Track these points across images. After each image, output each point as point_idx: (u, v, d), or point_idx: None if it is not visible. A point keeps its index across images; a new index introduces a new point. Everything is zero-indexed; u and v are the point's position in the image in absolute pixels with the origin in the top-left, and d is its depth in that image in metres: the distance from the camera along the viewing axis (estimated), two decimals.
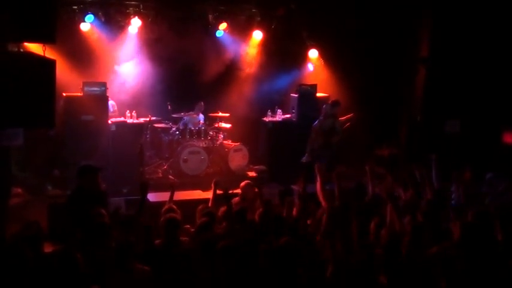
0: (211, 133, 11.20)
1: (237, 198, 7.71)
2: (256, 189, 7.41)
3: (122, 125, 10.26)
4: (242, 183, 7.98)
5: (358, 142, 11.72)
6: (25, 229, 5.53)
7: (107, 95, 9.88)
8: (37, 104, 6.72)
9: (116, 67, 10.76)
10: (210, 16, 11.34)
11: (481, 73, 10.27)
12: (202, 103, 11.37)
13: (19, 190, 9.52)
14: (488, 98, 10.36)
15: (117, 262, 4.93)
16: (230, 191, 6.61)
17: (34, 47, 7.91)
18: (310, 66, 12.54)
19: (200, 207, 6.56)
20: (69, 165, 9.70)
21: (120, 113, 10.68)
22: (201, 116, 11.45)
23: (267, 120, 11.80)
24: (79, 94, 9.72)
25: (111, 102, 10.62)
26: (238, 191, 9.58)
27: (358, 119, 10.66)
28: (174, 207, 6.44)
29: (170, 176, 10.60)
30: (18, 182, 9.61)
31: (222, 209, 6.57)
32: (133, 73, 10.77)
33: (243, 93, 11.94)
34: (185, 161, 10.48)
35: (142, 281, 4.80)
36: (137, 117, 10.49)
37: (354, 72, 11.61)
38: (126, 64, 10.76)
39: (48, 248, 6.18)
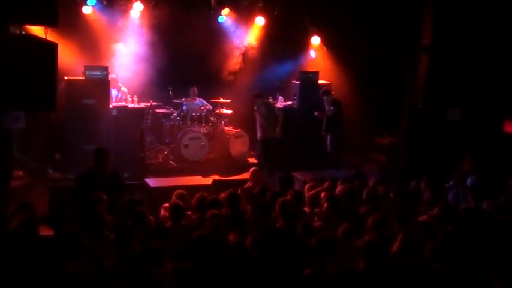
0: (212, 119, 11.19)
1: (248, 184, 7.76)
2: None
3: (123, 109, 10.25)
4: (251, 169, 8.14)
5: (359, 130, 11.73)
6: (19, 211, 5.57)
7: (114, 80, 9.88)
8: (38, 87, 6.70)
9: (117, 50, 10.71)
10: (213, 1, 11.27)
11: (483, 62, 10.22)
12: (195, 88, 11.28)
13: (20, 173, 9.55)
14: (489, 87, 10.32)
15: (117, 244, 4.96)
16: (231, 178, 6.67)
17: (36, 30, 7.86)
18: (312, 53, 12.49)
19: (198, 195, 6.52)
20: (70, 149, 9.73)
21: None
22: (200, 101, 11.37)
23: None
24: (80, 78, 9.70)
25: (123, 88, 10.62)
26: (239, 177, 9.69)
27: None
28: (185, 193, 6.46)
29: (171, 161, 10.62)
30: (20, 164, 9.64)
31: (222, 194, 6.60)
32: (135, 58, 10.71)
33: (244, 80, 11.91)
34: (186, 146, 10.49)
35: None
36: (138, 102, 10.48)
37: (355, 59, 11.58)
38: (127, 48, 10.70)
39: (46, 231, 6.24)
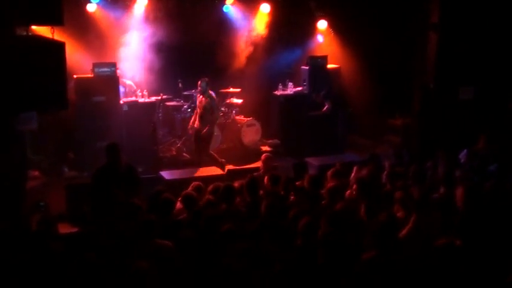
0: (223, 109, 11.18)
1: (261, 171, 7.76)
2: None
3: (134, 104, 10.26)
4: (263, 156, 8.08)
5: (370, 113, 11.66)
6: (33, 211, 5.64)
7: (117, 75, 9.88)
8: (49, 87, 6.76)
9: (124, 46, 10.70)
10: None
11: (494, 38, 10.08)
12: (205, 79, 11.24)
13: (36, 173, 9.65)
14: (502, 64, 10.18)
15: (140, 238, 4.99)
16: (245, 166, 6.67)
17: (42, 30, 7.89)
18: (319, 38, 12.40)
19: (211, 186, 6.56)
20: (83, 147, 9.78)
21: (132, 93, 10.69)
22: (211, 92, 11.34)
23: (278, 93, 11.75)
24: (89, 75, 9.72)
25: (128, 82, 10.63)
26: (253, 165, 9.69)
27: None
28: (202, 185, 6.50)
29: (184, 154, 10.64)
30: (34, 165, 9.72)
31: (237, 183, 6.62)
32: (142, 52, 10.70)
33: (253, 68, 11.86)
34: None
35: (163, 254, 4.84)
36: (148, 96, 10.48)
37: (364, 41, 11.47)
38: (134, 43, 10.69)
39: (65, 229, 6.32)
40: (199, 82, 9.83)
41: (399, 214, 5.53)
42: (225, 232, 4.90)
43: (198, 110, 9.94)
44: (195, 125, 9.94)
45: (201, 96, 9.88)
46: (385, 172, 6.93)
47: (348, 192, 6.45)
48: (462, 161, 7.78)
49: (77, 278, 4.32)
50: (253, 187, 6.35)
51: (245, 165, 10.13)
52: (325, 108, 10.81)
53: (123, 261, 4.59)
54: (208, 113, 9.78)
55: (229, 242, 4.75)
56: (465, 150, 7.78)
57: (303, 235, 4.84)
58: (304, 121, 11.21)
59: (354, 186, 6.21)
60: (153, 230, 5.01)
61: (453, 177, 6.57)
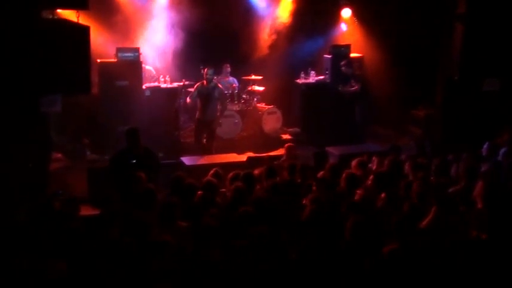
0: (244, 96, 11.18)
1: (283, 159, 7.78)
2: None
3: (156, 89, 10.30)
4: (286, 145, 8.13)
5: (393, 103, 11.56)
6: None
7: (140, 60, 9.93)
8: (73, 70, 6.86)
9: (148, 31, 10.75)
10: None
11: None
12: (227, 65, 11.27)
13: (59, 155, 9.78)
14: None
15: (161, 221, 5.04)
16: (265, 154, 6.68)
17: (67, 14, 7.96)
18: (343, 26, 12.30)
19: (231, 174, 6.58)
20: (105, 131, 9.88)
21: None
22: (233, 79, 11.39)
23: (300, 82, 11.70)
24: (113, 60, 9.78)
25: (148, 68, 10.69)
26: (273, 153, 9.70)
27: None
28: (220, 172, 6.54)
29: (204, 140, 10.67)
30: (57, 147, 9.86)
31: (256, 171, 6.64)
32: (165, 38, 10.73)
33: (275, 56, 11.82)
34: (219, 124, 10.52)
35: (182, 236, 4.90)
36: (171, 82, 10.52)
37: (388, 31, 11.35)
38: (157, 28, 10.73)
39: (87, 211, 6.42)
40: (205, 70, 9.76)
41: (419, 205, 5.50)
42: (244, 214, 4.96)
43: (201, 98, 9.81)
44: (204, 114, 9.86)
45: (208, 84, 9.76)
46: (408, 163, 6.88)
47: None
48: (484, 154, 7.68)
49: (100, 255, 4.40)
50: (272, 175, 6.39)
51: (265, 152, 10.15)
52: (354, 87, 10.68)
53: (144, 238, 4.66)
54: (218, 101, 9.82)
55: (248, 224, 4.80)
56: (487, 143, 7.67)
57: (314, 224, 4.86)
58: (326, 110, 11.16)
59: (371, 177, 6.19)
60: (175, 213, 5.08)
61: (475, 171, 6.49)
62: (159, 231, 4.83)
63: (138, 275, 4.19)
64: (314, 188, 6.17)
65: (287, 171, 6.70)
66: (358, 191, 5.99)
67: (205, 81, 9.77)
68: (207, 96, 9.76)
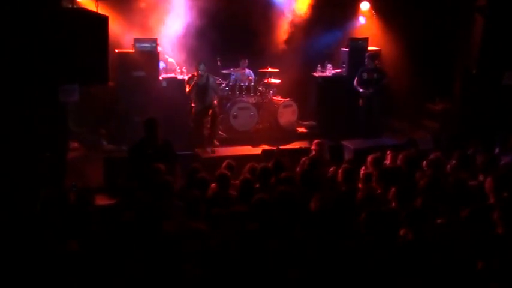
0: (260, 89, 11.17)
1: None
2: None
3: (173, 81, 10.35)
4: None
5: (410, 96, 11.47)
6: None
7: (161, 52, 9.95)
8: (91, 60, 6.89)
9: (166, 22, 10.76)
10: None
11: None
12: (246, 60, 11.28)
13: (76, 144, 9.87)
14: None
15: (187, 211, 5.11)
16: (280, 147, 6.66)
17: (87, 3, 8.02)
18: (361, 19, 12.21)
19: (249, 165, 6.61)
20: (122, 121, 9.95)
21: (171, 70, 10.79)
22: (249, 71, 11.39)
23: (316, 75, 11.65)
24: (131, 50, 9.84)
25: (170, 60, 10.73)
26: (288, 146, 9.69)
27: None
28: (233, 164, 6.57)
29: (220, 132, 10.70)
30: (75, 136, 9.95)
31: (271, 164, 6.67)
32: (183, 29, 10.75)
33: (292, 48, 11.77)
34: (235, 116, 10.54)
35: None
36: (187, 73, 10.55)
37: (407, 24, 11.24)
38: (175, 20, 10.75)
39: (103, 201, 6.48)
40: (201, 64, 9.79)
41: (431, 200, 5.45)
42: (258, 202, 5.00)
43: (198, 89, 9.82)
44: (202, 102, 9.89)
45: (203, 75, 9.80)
46: (424, 157, 6.81)
47: None
48: (501, 148, 7.62)
49: (116, 236, 4.45)
50: (279, 168, 6.43)
51: (281, 145, 10.15)
52: (384, 80, 10.61)
53: (159, 221, 4.72)
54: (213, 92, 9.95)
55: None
56: (504, 137, 7.60)
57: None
58: (342, 103, 11.11)
59: (375, 173, 6.16)
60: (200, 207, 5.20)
61: (492, 165, 6.43)
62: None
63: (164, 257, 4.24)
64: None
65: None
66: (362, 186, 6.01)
67: (196, 74, 9.78)
68: (203, 87, 9.84)
